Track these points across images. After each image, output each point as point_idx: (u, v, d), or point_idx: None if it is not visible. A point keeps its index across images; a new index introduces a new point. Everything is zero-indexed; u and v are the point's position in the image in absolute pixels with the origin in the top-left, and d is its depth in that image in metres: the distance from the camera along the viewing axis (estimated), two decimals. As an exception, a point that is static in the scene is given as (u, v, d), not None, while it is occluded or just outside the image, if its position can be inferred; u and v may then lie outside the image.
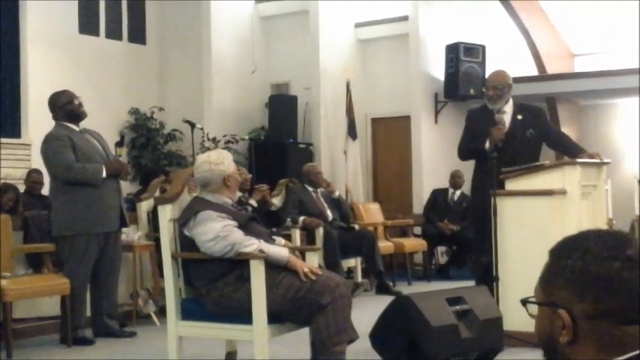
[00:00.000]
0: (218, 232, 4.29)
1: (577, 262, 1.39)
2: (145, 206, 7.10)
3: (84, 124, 6.20)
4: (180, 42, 11.16)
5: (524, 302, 1.48)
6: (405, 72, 10.99)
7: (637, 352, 1.33)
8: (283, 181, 8.85)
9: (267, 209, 8.13)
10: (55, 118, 6.15)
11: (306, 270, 4.27)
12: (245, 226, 4.43)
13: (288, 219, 8.21)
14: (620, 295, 1.35)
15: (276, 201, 8.50)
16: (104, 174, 5.97)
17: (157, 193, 6.85)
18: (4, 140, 9.11)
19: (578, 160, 5.60)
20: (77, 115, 6.12)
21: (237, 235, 4.32)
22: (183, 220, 4.42)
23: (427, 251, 9.92)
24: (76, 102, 6.13)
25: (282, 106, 10.91)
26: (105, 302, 6.17)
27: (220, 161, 4.55)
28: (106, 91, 10.33)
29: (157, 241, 5.71)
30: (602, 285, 1.36)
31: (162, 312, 5.98)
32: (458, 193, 10.22)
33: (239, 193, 7.03)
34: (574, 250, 1.41)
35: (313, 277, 4.25)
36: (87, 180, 5.93)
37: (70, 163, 5.89)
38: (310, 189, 8.67)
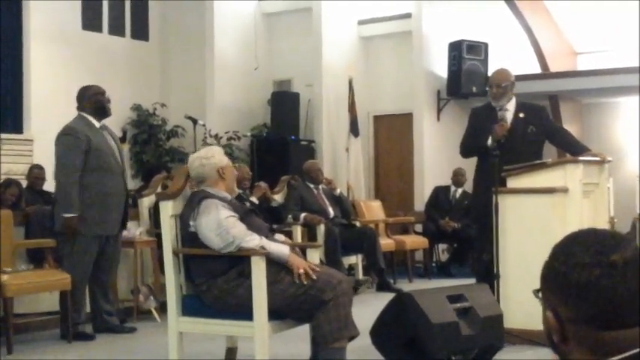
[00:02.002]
0: (220, 222, 4.28)
1: (561, 267, 1.38)
2: (146, 202, 7.11)
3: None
4: (183, 39, 11.15)
5: (535, 293, 1.47)
6: (408, 69, 10.98)
7: (624, 354, 1.32)
8: (285, 177, 8.85)
9: (268, 205, 8.14)
10: (79, 108, 6.14)
11: (301, 271, 4.25)
12: (244, 220, 4.43)
13: (290, 216, 8.21)
14: (599, 303, 1.34)
15: (278, 198, 8.51)
16: (69, 215, 5.85)
17: (159, 189, 6.85)
18: (6, 136, 9.11)
19: (580, 157, 5.59)
20: (104, 108, 6.13)
21: (240, 228, 4.32)
22: (188, 211, 4.42)
23: (428, 249, 9.91)
24: (106, 97, 6.16)
25: (285, 103, 10.91)
26: (102, 300, 6.18)
27: (210, 155, 4.56)
28: (109, 88, 10.15)
29: (158, 237, 5.71)
30: (581, 292, 1.35)
31: (162, 308, 5.98)
32: (460, 190, 10.22)
33: (239, 190, 7.05)
34: (561, 253, 1.40)
35: (305, 282, 4.23)
36: (61, 198, 5.89)
37: (72, 171, 5.87)
38: (312, 186, 8.68)
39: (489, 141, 5.85)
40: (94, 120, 6.09)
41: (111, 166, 6.06)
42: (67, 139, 5.97)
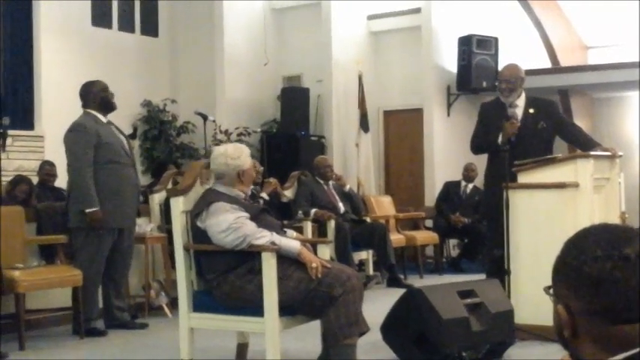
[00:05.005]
0: (230, 224, 4.29)
1: (573, 261, 1.39)
2: (157, 198, 7.12)
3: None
4: (193, 34, 11.16)
5: (547, 289, 1.47)
6: (418, 64, 10.97)
7: (634, 350, 1.32)
8: (295, 173, 8.85)
9: (278, 201, 8.15)
10: (85, 105, 6.16)
11: (314, 265, 4.26)
12: (257, 218, 4.44)
13: (300, 211, 8.21)
14: (612, 296, 1.34)
15: (288, 193, 8.52)
16: (92, 210, 5.89)
17: (170, 185, 6.86)
18: (17, 132, 9.13)
19: (591, 152, 5.58)
20: (110, 104, 6.17)
21: (250, 227, 4.33)
22: (197, 211, 4.43)
23: (439, 244, 9.90)
24: (110, 91, 6.19)
25: (295, 99, 10.91)
26: (114, 296, 6.20)
27: (237, 156, 4.55)
28: (119, 84, 10.24)
29: (169, 233, 5.72)
30: (594, 285, 1.35)
31: (173, 304, 6.02)
32: (470, 186, 10.20)
33: (251, 186, 7.06)
34: (573, 247, 1.41)
35: (319, 275, 4.24)
36: (78, 194, 5.92)
37: (84, 167, 5.89)
38: (321, 181, 8.68)
39: (500, 139, 5.83)
40: (101, 115, 6.11)
41: (122, 159, 6.08)
42: (75, 135, 5.99)
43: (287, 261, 4.32)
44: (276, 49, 11.54)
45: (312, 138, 10.94)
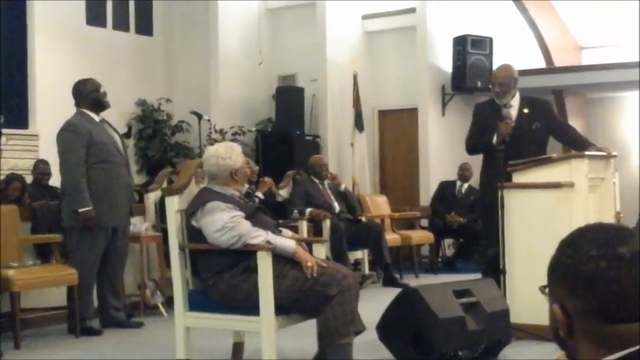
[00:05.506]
0: (226, 223, 4.30)
1: (568, 260, 1.39)
2: (152, 197, 7.12)
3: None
4: (188, 33, 11.15)
5: (542, 289, 1.48)
6: (412, 64, 10.98)
7: (630, 349, 1.32)
8: (290, 172, 8.85)
9: (274, 200, 8.15)
10: (77, 104, 6.15)
11: (309, 264, 4.26)
12: (252, 217, 4.44)
13: (295, 211, 8.21)
14: (607, 295, 1.34)
15: (283, 192, 8.52)
16: (85, 209, 5.90)
17: (165, 184, 6.86)
18: (11, 131, 9.11)
19: (586, 152, 5.59)
20: (102, 103, 6.16)
21: (245, 226, 4.33)
22: (191, 210, 4.43)
23: (434, 244, 9.92)
24: (102, 90, 6.18)
25: (289, 98, 10.91)
26: (110, 295, 6.19)
27: (228, 156, 4.55)
28: (113, 83, 10.25)
29: (165, 232, 5.72)
30: (589, 284, 1.35)
31: (169, 303, 6.01)
32: (466, 185, 10.21)
33: (246, 185, 7.06)
34: (568, 246, 1.41)
35: (314, 274, 4.24)
36: (71, 194, 5.94)
37: (76, 166, 5.89)
38: (317, 181, 8.68)
39: (494, 139, 5.83)
40: (93, 114, 6.11)
41: (114, 158, 6.08)
42: (67, 134, 5.99)
43: (282, 260, 4.32)
44: (271, 48, 11.54)
45: (307, 137, 10.94)
